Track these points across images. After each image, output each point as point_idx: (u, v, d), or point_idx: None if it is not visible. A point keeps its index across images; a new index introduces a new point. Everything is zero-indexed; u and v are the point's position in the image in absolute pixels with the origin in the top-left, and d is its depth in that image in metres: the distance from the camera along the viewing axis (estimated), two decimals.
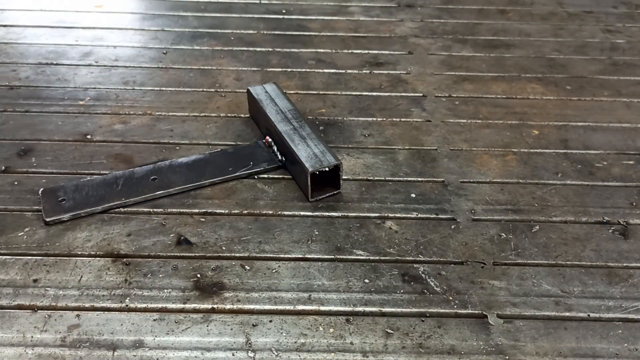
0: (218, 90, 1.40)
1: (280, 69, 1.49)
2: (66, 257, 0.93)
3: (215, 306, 0.86)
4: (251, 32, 1.67)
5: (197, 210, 1.03)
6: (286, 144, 1.03)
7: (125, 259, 0.93)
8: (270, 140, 1.10)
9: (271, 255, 0.95)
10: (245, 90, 1.35)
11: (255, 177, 1.12)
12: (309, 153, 0.98)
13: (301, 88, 1.42)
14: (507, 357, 0.80)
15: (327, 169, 0.97)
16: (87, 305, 0.86)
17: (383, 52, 1.59)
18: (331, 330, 0.83)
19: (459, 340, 0.82)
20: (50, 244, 0.96)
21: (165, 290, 0.88)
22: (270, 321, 0.84)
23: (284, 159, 1.06)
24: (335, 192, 1.04)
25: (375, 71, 1.50)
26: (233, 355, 0.79)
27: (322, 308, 0.86)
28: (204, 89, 1.40)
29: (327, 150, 1.00)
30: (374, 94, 1.41)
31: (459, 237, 1.00)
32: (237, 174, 1.04)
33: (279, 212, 1.03)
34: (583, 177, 1.15)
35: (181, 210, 1.03)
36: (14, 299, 0.86)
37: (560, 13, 1.84)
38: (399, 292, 0.89)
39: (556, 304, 0.88)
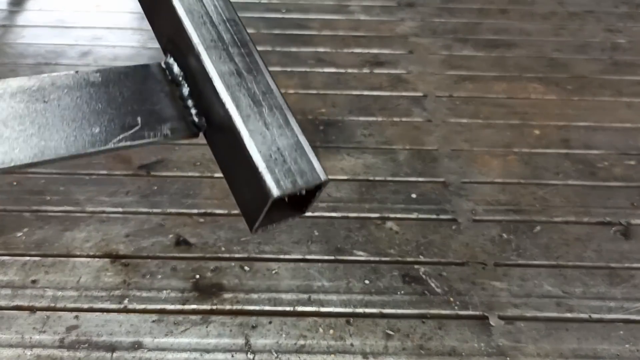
0: None
1: (279, 69, 1.48)
2: (65, 257, 0.93)
3: (214, 307, 0.85)
4: (251, 31, 1.66)
5: (196, 211, 1.03)
6: (219, 102, 0.35)
7: (124, 260, 0.93)
8: (178, 73, 0.37)
9: (271, 256, 0.94)
10: None
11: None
12: (270, 144, 0.34)
13: (301, 87, 1.41)
14: (508, 359, 0.79)
15: (302, 191, 0.36)
16: (85, 306, 0.85)
17: (383, 51, 1.58)
18: (331, 331, 0.82)
19: (459, 342, 0.81)
20: (49, 244, 0.95)
21: (164, 291, 0.87)
22: (270, 322, 0.83)
23: (204, 122, 0.37)
24: (294, 217, 0.42)
25: (375, 71, 1.50)
26: (232, 356, 0.78)
27: (322, 309, 0.86)
28: None
29: (302, 141, 0.37)
30: (374, 93, 1.40)
31: (459, 237, 0.99)
32: (109, 146, 0.34)
33: None
34: (584, 178, 1.15)
35: (180, 210, 1.03)
36: (13, 299, 0.86)
37: (561, 12, 1.84)
38: (400, 293, 0.89)
39: (557, 305, 0.87)
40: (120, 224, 1.00)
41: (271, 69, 1.47)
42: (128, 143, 0.34)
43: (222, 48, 0.36)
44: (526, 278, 0.92)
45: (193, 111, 0.36)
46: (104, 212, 1.02)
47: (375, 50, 1.58)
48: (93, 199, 1.05)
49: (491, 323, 0.84)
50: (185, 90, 0.36)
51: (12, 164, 0.32)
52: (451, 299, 0.88)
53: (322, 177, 0.35)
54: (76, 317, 0.83)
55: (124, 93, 0.35)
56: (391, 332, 0.82)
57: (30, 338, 0.80)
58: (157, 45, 1.46)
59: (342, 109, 1.34)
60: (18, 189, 1.07)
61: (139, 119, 0.34)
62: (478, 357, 0.79)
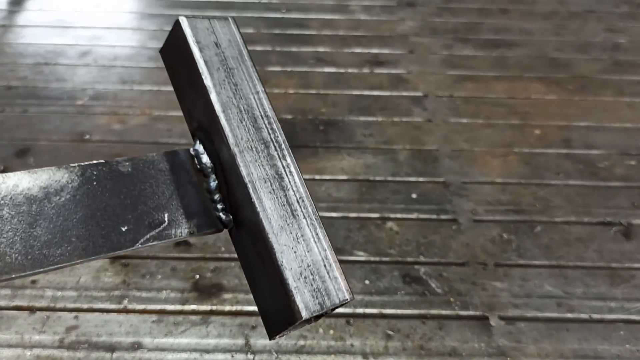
0: None
1: (279, 68, 1.48)
2: None
3: (214, 307, 0.85)
4: (250, 30, 1.66)
5: None
6: (252, 208, 0.33)
7: (123, 260, 0.93)
8: (206, 163, 0.35)
9: None
10: None
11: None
12: (301, 261, 0.32)
13: (301, 87, 1.41)
14: (508, 359, 0.79)
15: (329, 311, 0.33)
16: (85, 306, 0.85)
17: (384, 51, 1.58)
18: (331, 332, 0.82)
19: (460, 342, 0.81)
20: None
21: (164, 292, 0.87)
22: None
23: (231, 219, 0.34)
24: (305, 324, 0.35)
25: (375, 70, 1.49)
26: (232, 357, 0.78)
27: None
28: None
29: (331, 256, 0.33)
30: (375, 93, 1.40)
31: (460, 238, 0.99)
32: (136, 247, 0.31)
33: None
34: (585, 178, 1.14)
35: None
36: (12, 299, 0.86)
37: (562, 12, 1.83)
38: (400, 293, 0.88)
39: (558, 305, 0.87)
40: None
41: (271, 68, 1.47)
42: (155, 243, 0.32)
43: (258, 150, 0.33)
44: (527, 278, 0.91)
45: (220, 206, 0.34)
46: None
47: (375, 50, 1.58)
48: None
49: (492, 323, 0.84)
50: (213, 183, 0.34)
51: (40, 269, 0.28)
52: (451, 299, 0.87)
53: (348, 296, 0.32)
54: (76, 317, 0.83)
55: (152, 185, 0.33)
56: (391, 333, 0.82)
57: (30, 338, 0.80)
58: (156, 45, 1.47)
59: (342, 109, 1.33)
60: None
61: (166, 215, 0.33)
62: (478, 357, 0.79)
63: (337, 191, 1.08)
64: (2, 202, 0.28)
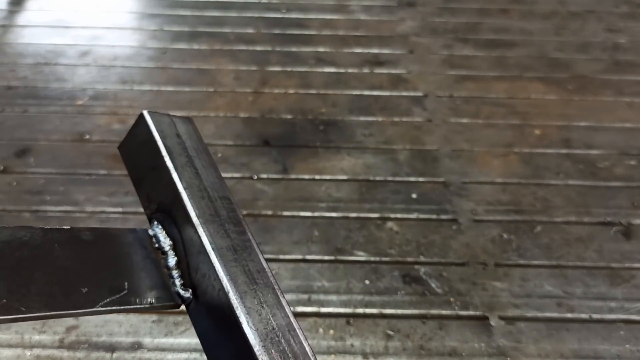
0: (217, 89, 1.39)
1: (279, 68, 1.48)
2: None
3: None
4: (250, 30, 1.66)
5: None
6: (215, 275, 0.34)
7: None
8: (164, 242, 0.36)
9: (271, 257, 0.94)
10: (243, 91, 1.34)
11: (255, 177, 1.11)
12: (266, 323, 0.32)
13: (301, 87, 1.41)
14: (508, 359, 0.79)
15: None
16: None
17: (384, 51, 1.58)
18: (331, 332, 0.82)
19: (460, 342, 0.81)
20: None
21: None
22: None
23: (190, 295, 0.35)
24: None
25: (375, 70, 1.49)
26: None
27: (322, 310, 0.85)
28: (203, 89, 1.39)
29: (294, 322, 0.33)
30: (375, 93, 1.40)
31: (460, 238, 0.99)
32: (96, 309, 0.32)
33: (279, 213, 1.03)
34: (585, 177, 1.14)
35: None
36: None
37: (562, 12, 1.83)
38: (400, 293, 0.88)
39: (558, 305, 0.87)
40: (119, 224, 0.99)
41: (271, 68, 1.46)
42: (115, 307, 0.32)
43: (219, 223, 0.35)
44: (527, 278, 0.91)
45: (178, 282, 0.35)
46: (103, 212, 1.02)
47: (375, 50, 1.58)
48: (92, 199, 1.05)
49: (492, 323, 0.84)
50: (172, 260, 0.35)
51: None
52: (452, 299, 0.87)
53: None
54: (75, 317, 0.83)
55: (112, 255, 0.34)
56: (391, 333, 0.82)
57: (30, 338, 0.80)
58: (156, 45, 1.46)
59: (342, 109, 1.33)
60: (17, 189, 1.07)
61: (126, 283, 0.34)
62: (478, 357, 0.79)
63: (337, 191, 1.08)
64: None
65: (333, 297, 0.87)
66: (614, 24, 1.76)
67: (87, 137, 1.22)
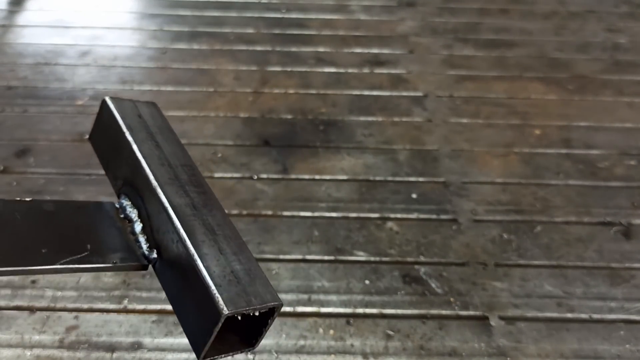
0: (217, 89, 1.39)
1: (279, 68, 1.48)
2: None
3: None
4: (250, 30, 1.66)
5: None
6: (174, 229, 0.36)
7: None
8: (130, 211, 0.39)
9: (270, 257, 0.94)
10: (243, 91, 1.34)
11: (255, 177, 1.11)
12: (224, 267, 0.33)
13: (301, 87, 1.41)
14: (508, 359, 0.79)
15: (256, 312, 0.33)
16: (85, 306, 0.85)
17: (384, 51, 1.58)
18: (331, 332, 0.82)
19: (460, 342, 0.81)
20: None
21: (164, 292, 0.87)
22: None
23: (155, 255, 0.37)
24: (243, 350, 0.38)
25: (375, 70, 1.49)
26: (232, 356, 0.78)
27: (322, 310, 0.85)
28: (203, 89, 1.39)
29: (256, 267, 0.35)
30: (375, 93, 1.40)
31: (460, 238, 0.99)
32: (56, 266, 0.34)
33: (279, 213, 1.03)
34: (585, 177, 1.14)
35: None
36: (12, 299, 0.86)
37: (562, 12, 1.83)
38: (400, 293, 0.88)
39: (558, 305, 0.87)
40: None
41: (271, 68, 1.47)
42: (75, 265, 0.34)
43: (179, 185, 0.37)
44: (527, 278, 0.91)
45: (144, 245, 0.37)
46: None
47: (375, 50, 1.58)
48: (92, 199, 1.05)
49: (492, 323, 0.84)
50: (138, 226, 0.37)
51: None
52: (452, 299, 0.87)
53: (277, 300, 0.33)
54: (76, 317, 0.83)
55: (75, 224, 0.36)
56: (391, 333, 0.82)
57: (30, 338, 0.80)
58: (156, 45, 1.47)
59: (342, 109, 1.33)
60: (17, 189, 1.07)
61: (88, 246, 0.35)
62: (479, 357, 0.79)
63: (337, 191, 1.08)
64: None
65: (333, 297, 0.87)
66: (614, 24, 1.76)
67: (87, 137, 1.22)
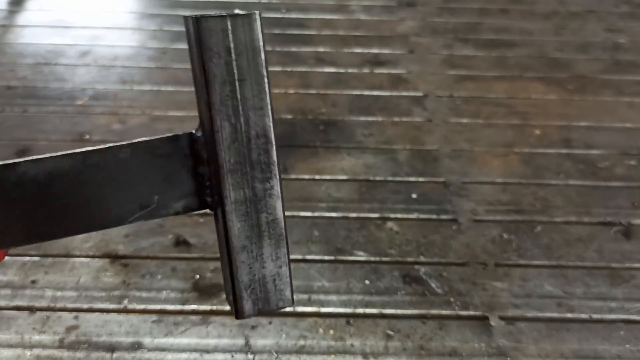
0: None
1: (279, 68, 1.48)
2: (64, 258, 0.93)
3: (214, 308, 0.85)
4: None
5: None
6: (224, 225, 0.38)
7: (123, 260, 0.92)
8: (202, 148, 0.37)
9: None
10: None
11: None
12: (254, 275, 0.38)
13: (301, 87, 1.41)
14: (508, 359, 0.79)
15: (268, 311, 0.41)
16: (85, 306, 0.85)
17: (384, 51, 1.58)
18: (331, 332, 0.82)
19: (460, 342, 0.81)
20: (48, 245, 0.95)
21: (164, 292, 0.87)
22: (270, 323, 0.83)
23: (217, 202, 0.37)
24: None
25: (375, 70, 1.49)
26: (232, 357, 0.78)
27: (322, 310, 0.85)
28: None
29: (284, 271, 0.40)
30: (375, 93, 1.40)
31: (460, 238, 0.99)
32: (123, 224, 0.37)
33: None
34: (585, 177, 1.14)
35: None
36: (12, 299, 0.85)
37: (562, 12, 1.83)
38: (400, 293, 0.88)
39: (558, 306, 0.87)
40: None
41: (271, 68, 1.47)
42: (142, 220, 0.37)
43: (243, 172, 0.36)
44: (527, 278, 0.91)
45: (209, 191, 0.37)
46: None
47: (375, 50, 1.58)
48: None
49: (492, 323, 0.84)
50: (206, 170, 0.37)
51: (39, 241, 0.34)
52: (452, 300, 0.87)
53: (287, 304, 0.39)
54: (76, 317, 0.83)
55: (147, 170, 0.36)
56: (391, 333, 0.82)
57: (30, 338, 0.80)
58: (156, 45, 1.47)
59: (342, 109, 1.33)
60: None
61: (156, 198, 0.37)
62: (479, 357, 0.79)
63: (337, 191, 1.08)
64: (12, 187, 0.32)
65: (333, 297, 0.87)
66: (614, 24, 1.76)
67: (87, 137, 1.22)
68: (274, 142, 0.37)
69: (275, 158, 0.37)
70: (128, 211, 0.36)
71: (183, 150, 0.37)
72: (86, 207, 0.35)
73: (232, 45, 0.34)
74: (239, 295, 0.37)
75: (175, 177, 0.37)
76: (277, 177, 0.38)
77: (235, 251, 0.37)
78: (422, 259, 0.94)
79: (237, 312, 0.37)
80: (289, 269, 0.40)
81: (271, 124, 0.36)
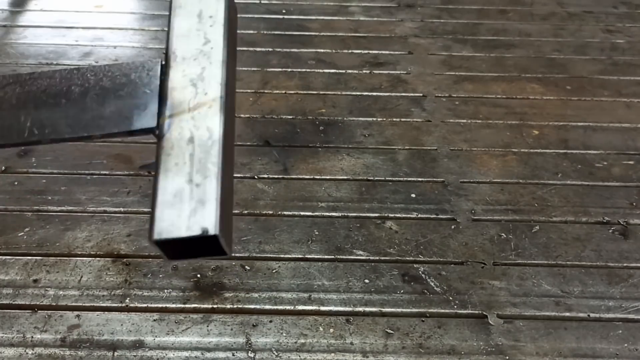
0: None
1: (280, 69, 1.49)
2: (66, 257, 0.93)
3: (215, 306, 0.86)
4: (251, 32, 1.67)
5: None
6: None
7: (125, 259, 0.93)
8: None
9: (271, 256, 0.95)
10: (244, 92, 1.35)
11: (256, 177, 1.12)
12: (180, 190, 0.35)
13: (301, 88, 1.42)
14: (507, 357, 0.80)
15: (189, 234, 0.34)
16: (87, 305, 0.85)
17: (383, 52, 1.59)
18: (331, 330, 0.83)
19: (459, 341, 0.82)
20: (50, 244, 0.96)
21: (166, 291, 0.88)
22: (271, 321, 0.84)
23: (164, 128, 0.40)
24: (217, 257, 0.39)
25: (375, 71, 1.50)
26: (233, 355, 0.79)
27: (322, 308, 0.86)
28: None
29: (212, 197, 0.35)
30: (374, 94, 1.41)
31: (459, 237, 1.00)
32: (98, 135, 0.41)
33: (279, 212, 1.03)
34: (583, 177, 1.15)
35: None
36: (14, 299, 0.86)
37: (560, 13, 1.84)
38: (399, 292, 0.89)
39: (556, 304, 0.88)
40: (121, 224, 1.00)
41: (272, 69, 1.48)
42: (114, 132, 0.39)
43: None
44: (525, 277, 0.92)
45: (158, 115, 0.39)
46: (105, 211, 1.03)
47: (375, 51, 1.59)
48: (94, 198, 1.05)
49: (490, 322, 0.85)
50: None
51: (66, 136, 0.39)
52: (450, 298, 0.88)
53: (213, 227, 0.34)
54: (77, 316, 0.84)
55: (118, 87, 0.41)
56: (391, 331, 0.83)
57: (32, 337, 0.80)
58: (158, 46, 1.48)
59: (342, 109, 1.34)
60: (19, 189, 1.08)
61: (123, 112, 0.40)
62: (477, 356, 0.80)
63: (336, 191, 1.09)
64: (42, 92, 0.39)
65: (333, 296, 0.88)
66: (612, 25, 1.77)
67: None
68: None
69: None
70: (103, 121, 0.39)
71: (146, 67, 0.41)
72: (69, 115, 0.39)
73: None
74: (158, 210, 0.35)
75: (141, 97, 0.40)
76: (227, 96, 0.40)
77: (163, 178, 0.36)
78: (421, 258, 0.95)
79: (149, 236, 0.34)
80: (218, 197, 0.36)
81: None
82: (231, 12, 0.44)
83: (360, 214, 1.04)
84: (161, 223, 0.35)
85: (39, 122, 0.38)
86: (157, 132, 0.39)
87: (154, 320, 0.83)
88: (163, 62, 0.41)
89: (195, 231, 0.34)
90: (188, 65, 0.41)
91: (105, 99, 0.39)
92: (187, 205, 0.35)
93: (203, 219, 0.35)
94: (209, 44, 0.42)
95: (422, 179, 1.13)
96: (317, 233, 0.99)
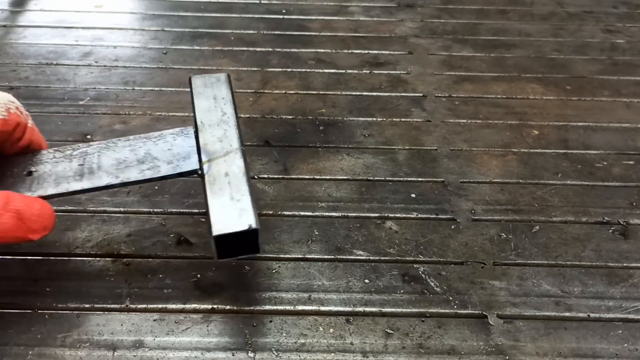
0: None
1: (280, 69, 1.49)
2: (66, 257, 0.93)
3: (215, 306, 0.86)
4: (251, 32, 1.67)
5: (197, 211, 1.03)
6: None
7: (125, 259, 0.93)
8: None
9: (271, 256, 0.95)
10: (243, 92, 1.34)
11: (256, 177, 1.12)
12: (224, 200, 0.60)
13: (301, 88, 1.42)
14: (507, 357, 0.80)
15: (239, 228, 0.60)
16: (87, 305, 0.86)
17: (383, 52, 1.59)
18: (331, 330, 0.83)
19: (459, 341, 0.82)
20: (50, 244, 0.96)
21: (165, 291, 0.88)
22: (270, 321, 0.84)
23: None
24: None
25: (375, 71, 1.50)
26: (233, 355, 0.79)
27: (322, 308, 0.86)
28: None
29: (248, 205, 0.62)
30: (374, 94, 1.41)
31: (459, 237, 1.00)
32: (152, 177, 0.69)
33: (279, 212, 1.03)
34: (583, 177, 1.15)
35: (181, 210, 1.03)
36: (14, 299, 0.86)
37: (560, 13, 1.84)
38: (399, 292, 0.89)
39: (556, 304, 0.88)
40: (121, 224, 1.00)
41: (271, 69, 1.49)
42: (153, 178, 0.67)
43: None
44: (525, 277, 0.92)
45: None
46: (105, 212, 1.03)
47: (375, 51, 1.59)
48: (94, 198, 1.05)
49: (490, 322, 0.85)
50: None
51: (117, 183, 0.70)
52: (450, 298, 0.88)
53: (252, 225, 0.62)
54: (77, 316, 0.84)
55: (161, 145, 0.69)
56: (391, 331, 0.83)
57: (32, 337, 0.80)
58: (158, 45, 1.49)
59: (342, 110, 1.34)
60: None
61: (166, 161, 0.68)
62: (477, 355, 0.80)
63: (336, 191, 1.09)
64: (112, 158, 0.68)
65: (333, 296, 0.88)
66: (612, 25, 1.77)
67: (89, 137, 1.23)
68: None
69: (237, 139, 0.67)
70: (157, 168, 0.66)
71: (189, 137, 0.67)
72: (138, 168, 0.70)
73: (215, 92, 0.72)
74: (214, 214, 0.60)
75: (185, 151, 0.66)
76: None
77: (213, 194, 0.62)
78: (421, 258, 0.95)
79: (212, 231, 0.58)
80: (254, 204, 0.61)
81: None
82: (232, 93, 0.69)
83: (360, 214, 1.04)
84: (218, 225, 0.56)
85: (114, 175, 0.67)
86: (199, 172, 0.61)
87: (154, 320, 0.83)
88: (194, 129, 0.65)
89: (244, 226, 0.57)
90: (214, 129, 0.63)
91: (159, 153, 0.64)
92: (233, 212, 0.57)
93: (247, 219, 0.58)
94: (225, 115, 0.66)
95: (422, 179, 1.13)
96: (317, 233, 0.99)
